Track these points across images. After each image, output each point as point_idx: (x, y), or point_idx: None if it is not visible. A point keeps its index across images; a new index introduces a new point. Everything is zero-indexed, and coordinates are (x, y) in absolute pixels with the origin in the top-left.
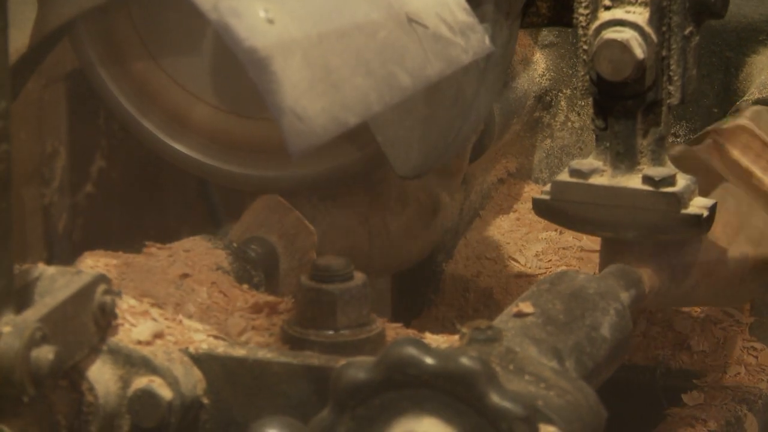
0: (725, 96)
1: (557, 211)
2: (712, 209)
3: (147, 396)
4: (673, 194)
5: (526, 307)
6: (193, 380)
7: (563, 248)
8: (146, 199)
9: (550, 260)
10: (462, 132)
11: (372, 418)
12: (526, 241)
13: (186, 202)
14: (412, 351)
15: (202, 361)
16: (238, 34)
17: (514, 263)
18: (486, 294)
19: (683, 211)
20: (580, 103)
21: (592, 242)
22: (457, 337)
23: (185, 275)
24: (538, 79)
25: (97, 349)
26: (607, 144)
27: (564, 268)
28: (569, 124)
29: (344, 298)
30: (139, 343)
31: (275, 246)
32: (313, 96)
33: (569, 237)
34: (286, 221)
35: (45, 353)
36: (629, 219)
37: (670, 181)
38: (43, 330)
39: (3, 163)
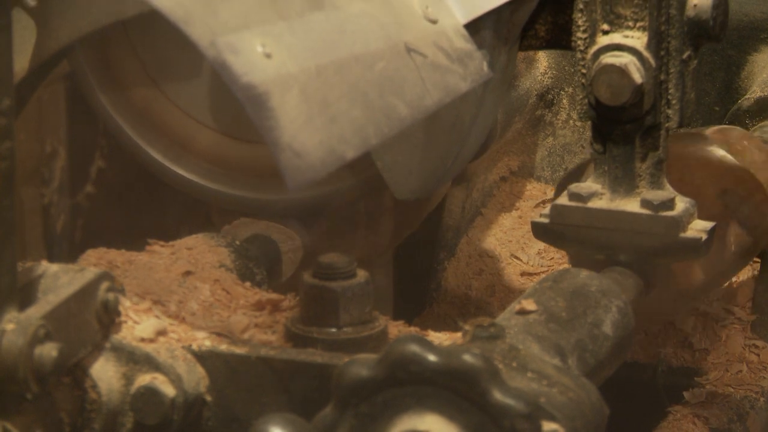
0: (727, 94)
1: (556, 234)
2: (711, 232)
3: (150, 393)
4: (671, 218)
5: (529, 304)
6: (196, 377)
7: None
8: (145, 200)
9: (552, 258)
10: (460, 156)
11: (375, 415)
12: (528, 239)
13: (185, 202)
14: (414, 348)
15: (205, 358)
16: (236, 71)
17: (516, 261)
18: (488, 292)
19: (682, 235)
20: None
21: None
22: (459, 334)
23: (188, 273)
24: (540, 78)
25: (101, 346)
26: (606, 168)
27: (566, 265)
28: (571, 122)
29: (347, 295)
30: (142, 340)
31: (277, 244)
32: (311, 130)
33: None
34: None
35: (48, 350)
36: (628, 242)
37: (669, 204)
38: (46, 327)
39: (6, 161)
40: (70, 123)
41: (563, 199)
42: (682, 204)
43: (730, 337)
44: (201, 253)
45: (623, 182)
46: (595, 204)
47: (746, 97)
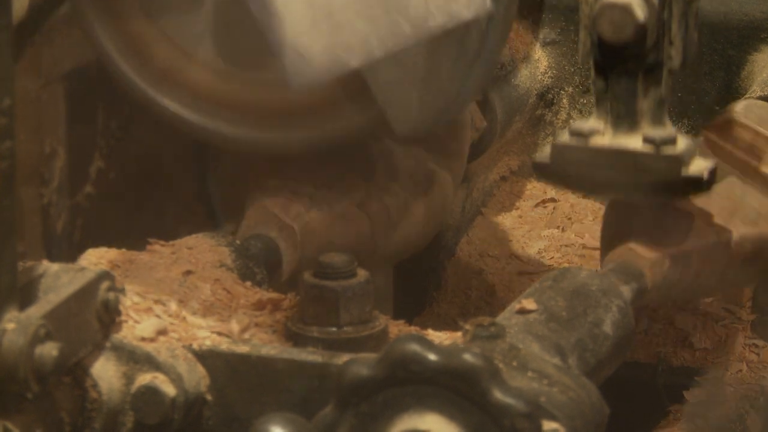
0: (727, 94)
1: (557, 172)
2: (713, 171)
3: (150, 393)
4: (674, 155)
5: (529, 304)
6: (197, 377)
7: (565, 245)
8: (145, 200)
9: (552, 257)
10: (463, 93)
11: (375, 414)
12: (528, 238)
13: (185, 202)
14: (415, 347)
15: (206, 357)
16: None
17: (517, 261)
18: (488, 291)
19: (684, 173)
20: (581, 100)
21: (594, 240)
22: (459, 334)
23: (188, 272)
24: (540, 77)
25: (101, 345)
26: (608, 106)
27: (566, 265)
28: (571, 122)
29: (347, 295)
30: (143, 339)
31: (278, 243)
32: (315, 34)
33: (571, 235)
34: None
35: (49, 350)
36: (629, 180)
37: (671, 142)
38: (46, 327)
39: (7, 160)
40: (69, 123)
41: (564, 137)
42: (684, 142)
43: (730, 336)
44: (201, 252)
45: (625, 120)
46: (596, 142)
47: (746, 96)
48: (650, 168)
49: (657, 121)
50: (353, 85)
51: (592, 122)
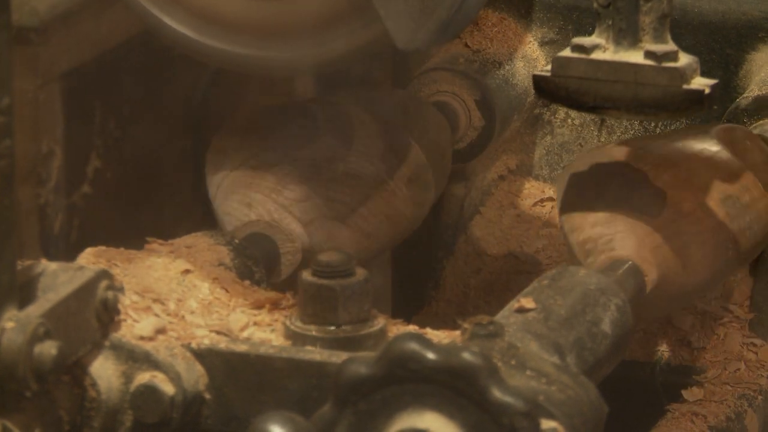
0: (725, 93)
1: (558, 87)
2: (715, 87)
3: (149, 391)
4: (675, 69)
5: (528, 302)
6: (196, 376)
7: (564, 244)
8: (143, 199)
9: (551, 257)
10: (464, 7)
11: (374, 413)
12: (526, 237)
13: (182, 202)
14: (413, 346)
15: (204, 356)
16: None
17: (515, 259)
18: (487, 290)
19: (685, 87)
20: None
21: None
22: (458, 332)
23: (187, 271)
24: None
25: (100, 344)
26: (610, 22)
27: (565, 264)
28: (569, 120)
29: (345, 293)
30: (142, 338)
31: (276, 242)
32: None
33: None
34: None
35: (48, 349)
36: (631, 94)
37: (673, 56)
38: (45, 325)
39: (5, 159)
40: (66, 123)
41: (566, 52)
42: (685, 58)
43: (728, 335)
44: (200, 251)
45: (627, 35)
46: (598, 56)
47: (744, 95)
48: (651, 81)
49: (658, 36)
50: (355, 0)
51: (593, 38)
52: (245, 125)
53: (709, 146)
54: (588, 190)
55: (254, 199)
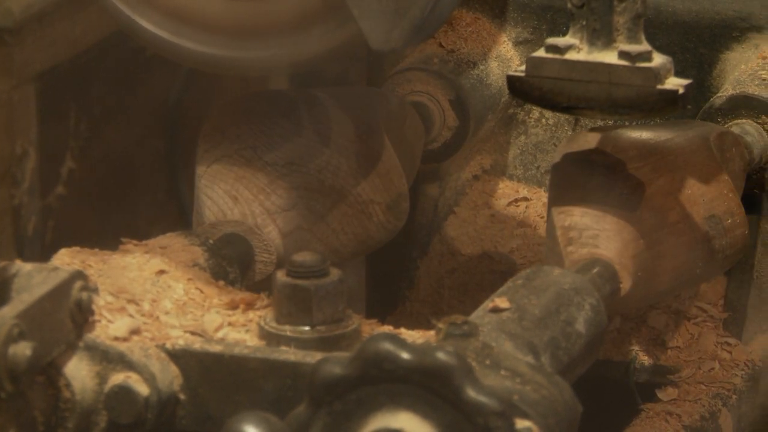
0: (699, 92)
1: (532, 87)
2: (689, 87)
3: (124, 392)
4: (649, 69)
5: (502, 302)
6: (170, 376)
7: (538, 244)
8: (117, 200)
9: (525, 256)
10: (438, 7)
11: (348, 413)
12: (501, 237)
13: (157, 202)
14: (388, 346)
15: (179, 357)
16: None
17: (489, 259)
18: (461, 290)
19: (659, 87)
20: None
21: None
22: (432, 332)
23: (162, 272)
24: None
25: (74, 345)
26: (584, 22)
27: (539, 263)
28: (543, 120)
29: (320, 294)
30: (116, 339)
31: (251, 243)
32: None
33: (544, 233)
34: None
35: (22, 349)
36: (605, 94)
37: (647, 56)
38: (20, 326)
39: None
40: (40, 124)
41: (540, 52)
42: (659, 58)
43: (703, 334)
44: (174, 252)
45: (601, 35)
46: (572, 56)
47: (718, 95)
48: (625, 81)
49: (632, 36)
50: (330, 1)
51: (568, 38)
52: (246, 108)
53: (709, 160)
54: (581, 172)
55: (242, 194)
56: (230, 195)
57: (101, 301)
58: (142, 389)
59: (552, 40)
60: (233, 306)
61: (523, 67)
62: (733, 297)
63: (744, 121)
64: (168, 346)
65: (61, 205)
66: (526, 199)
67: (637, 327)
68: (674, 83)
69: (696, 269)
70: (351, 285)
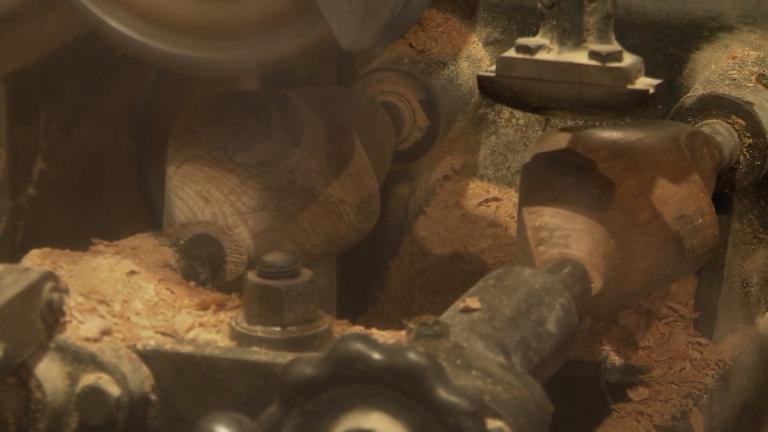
0: (669, 92)
1: (502, 87)
2: (659, 87)
3: (95, 393)
4: (619, 69)
5: (473, 302)
6: (141, 377)
7: (509, 245)
8: (88, 200)
9: (496, 256)
10: (408, 7)
11: (320, 413)
12: (471, 237)
13: (127, 203)
14: (359, 346)
15: (150, 357)
16: None
17: (460, 259)
18: (432, 290)
19: (629, 87)
20: None
21: None
22: (403, 333)
23: (132, 272)
24: None
25: (45, 346)
26: (554, 22)
27: (510, 264)
28: (514, 120)
29: (291, 294)
30: (87, 340)
31: (222, 243)
32: None
33: (515, 233)
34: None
35: None
36: (575, 95)
37: (617, 56)
38: None
39: None
40: (10, 125)
41: (510, 52)
42: (630, 58)
43: (674, 334)
44: (145, 252)
45: (571, 35)
46: (542, 56)
47: (689, 95)
48: (595, 81)
49: (603, 36)
50: (300, 1)
51: (538, 38)
52: (217, 109)
53: (679, 160)
54: (552, 172)
55: (212, 195)
56: (201, 196)
57: (72, 302)
58: (113, 390)
59: (522, 41)
60: (204, 307)
61: (494, 68)
62: (703, 297)
63: (714, 120)
64: (139, 346)
65: (32, 205)
66: (496, 199)
67: (608, 327)
68: (645, 83)
69: (667, 269)
70: (322, 285)
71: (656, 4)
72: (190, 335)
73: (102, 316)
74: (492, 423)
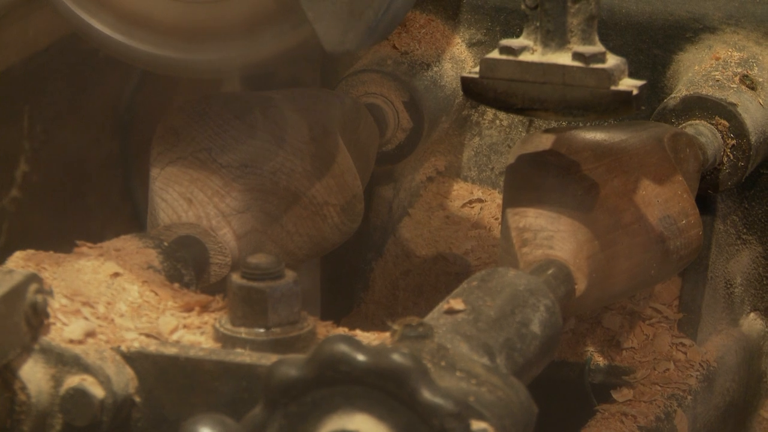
0: (653, 93)
1: (486, 88)
2: (642, 88)
3: (79, 395)
4: (603, 70)
5: (457, 304)
6: (125, 379)
7: (493, 246)
8: (71, 202)
9: (480, 258)
10: (391, 8)
11: (304, 415)
12: (455, 239)
13: (111, 205)
14: (343, 348)
15: (134, 359)
16: None
17: (444, 261)
18: (416, 292)
19: (613, 88)
20: None
21: None
22: (387, 334)
23: (116, 274)
24: None
25: (29, 348)
26: (537, 23)
27: (494, 265)
28: (497, 122)
29: (275, 296)
30: (71, 341)
31: (205, 245)
32: None
33: (499, 235)
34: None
35: None
36: (559, 96)
37: (600, 58)
38: None
39: None
40: None
41: (494, 53)
42: (613, 59)
43: (657, 335)
44: (129, 254)
45: (555, 37)
46: (526, 57)
47: (672, 96)
48: (579, 82)
49: (586, 38)
50: (284, 2)
51: (521, 39)
52: (201, 111)
53: (663, 161)
54: (536, 173)
55: (196, 197)
56: (185, 197)
57: (56, 304)
58: (98, 392)
59: (506, 42)
60: (188, 308)
61: (477, 69)
62: (687, 298)
63: (698, 121)
64: (123, 348)
65: (16, 207)
66: (480, 200)
67: (592, 328)
68: (628, 84)
69: (651, 270)
70: (306, 287)
71: (639, 6)
72: (174, 337)
73: (86, 318)
74: (476, 424)
